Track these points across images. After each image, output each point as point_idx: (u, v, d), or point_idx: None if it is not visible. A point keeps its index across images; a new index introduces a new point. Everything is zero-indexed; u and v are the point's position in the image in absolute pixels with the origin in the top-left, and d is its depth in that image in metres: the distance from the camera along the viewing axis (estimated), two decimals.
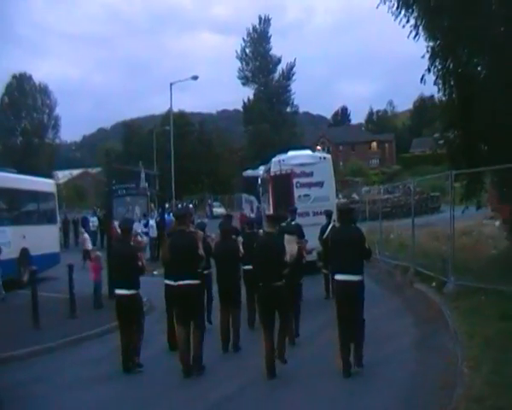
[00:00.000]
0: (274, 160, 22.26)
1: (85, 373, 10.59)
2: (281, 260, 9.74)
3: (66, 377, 10.45)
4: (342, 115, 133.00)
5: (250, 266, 11.32)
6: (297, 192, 20.79)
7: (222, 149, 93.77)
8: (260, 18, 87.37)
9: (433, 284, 15.39)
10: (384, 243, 24.10)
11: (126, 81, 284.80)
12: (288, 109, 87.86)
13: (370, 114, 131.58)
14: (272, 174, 20.91)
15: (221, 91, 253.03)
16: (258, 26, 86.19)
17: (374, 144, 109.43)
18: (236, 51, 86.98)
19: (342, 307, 9.42)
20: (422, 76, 16.02)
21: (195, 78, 46.77)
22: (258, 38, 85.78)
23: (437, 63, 15.88)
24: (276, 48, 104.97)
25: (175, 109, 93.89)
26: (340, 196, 52.44)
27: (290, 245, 11.13)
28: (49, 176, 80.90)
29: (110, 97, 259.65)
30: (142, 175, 29.30)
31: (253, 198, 32.99)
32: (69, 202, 79.26)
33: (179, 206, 60.69)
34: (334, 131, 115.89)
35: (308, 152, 24.60)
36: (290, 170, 19.98)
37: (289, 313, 10.06)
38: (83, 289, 16.81)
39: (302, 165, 21.74)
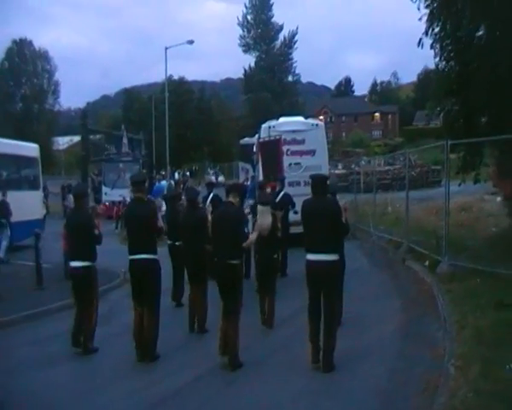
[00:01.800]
0: (264, 126, 21.12)
1: (33, 354, 9.58)
2: (238, 234, 8.48)
3: (10, 359, 9.39)
4: (346, 86, 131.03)
5: None
6: (287, 160, 19.57)
7: (222, 117, 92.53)
8: None
9: (427, 262, 14.29)
10: (381, 216, 23.03)
11: (131, 50, 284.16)
12: (290, 78, 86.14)
13: (374, 85, 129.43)
14: (261, 140, 19.68)
15: (225, 60, 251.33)
16: None
17: (377, 116, 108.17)
18: (238, 18, 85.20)
19: (312, 291, 8.25)
20: (420, 40, 14.83)
21: (191, 42, 45.83)
22: (260, 5, 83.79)
23: (435, 25, 14.64)
24: (279, 16, 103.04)
25: (175, 77, 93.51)
26: (340, 166, 51.62)
27: (263, 216, 10.18)
28: (49, 142, 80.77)
29: (115, 66, 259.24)
30: (125, 140, 27.66)
31: (248, 166, 31.96)
32: (69, 168, 78.43)
33: (179, 173, 60.50)
34: (338, 101, 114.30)
35: (300, 119, 23.34)
36: (279, 136, 18.75)
37: (239, 296, 8.65)
38: (60, 259, 15.59)
39: (293, 132, 20.63)
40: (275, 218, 10.57)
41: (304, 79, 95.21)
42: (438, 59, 15.29)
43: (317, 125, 21.79)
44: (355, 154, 64.55)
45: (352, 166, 45.77)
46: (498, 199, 19.85)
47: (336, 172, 44.39)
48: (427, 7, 14.59)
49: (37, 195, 24.92)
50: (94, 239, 9.50)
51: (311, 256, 8.15)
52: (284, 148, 19.56)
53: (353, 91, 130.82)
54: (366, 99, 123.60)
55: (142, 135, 30.89)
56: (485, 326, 8.45)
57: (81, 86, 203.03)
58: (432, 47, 14.87)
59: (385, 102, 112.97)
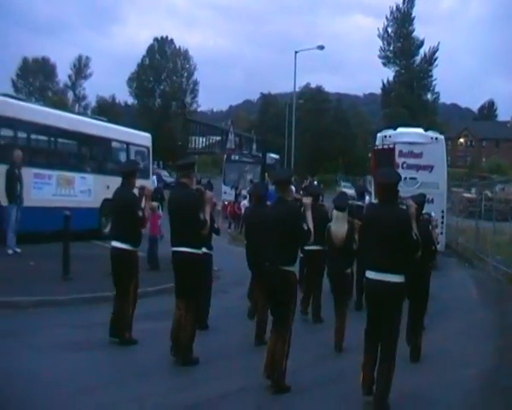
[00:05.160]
0: (379, 134, 19.85)
1: (69, 337, 8.96)
2: (293, 235, 7.10)
3: (47, 337, 8.80)
4: (489, 110, 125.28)
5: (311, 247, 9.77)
6: (402, 174, 17.87)
7: (359, 129, 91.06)
8: None
9: None
10: (506, 245, 20.75)
11: (275, 57, 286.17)
12: (429, 96, 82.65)
13: None
14: (374, 149, 18.46)
15: (370, 75, 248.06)
16: (401, 6, 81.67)
17: None
18: (378, 29, 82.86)
19: (371, 315, 6.83)
20: None
21: (321, 47, 45.47)
22: (401, 18, 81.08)
23: None
24: (420, 31, 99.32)
25: (313, 85, 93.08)
26: (473, 190, 49.00)
27: (338, 224, 9.28)
28: (186, 141, 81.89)
29: (259, 71, 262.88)
30: (231, 136, 25.93)
31: None
32: (204, 168, 79.34)
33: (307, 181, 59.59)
34: (479, 125, 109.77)
35: (419, 130, 21.81)
36: (393, 145, 17.36)
37: (291, 310, 7.24)
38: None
39: (410, 144, 19.15)
40: (352, 227, 9.24)
41: (448, 100, 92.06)
42: None
43: (436, 138, 20.11)
44: (491, 179, 61.17)
45: (486, 191, 43.13)
46: None
47: (468, 195, 42.29)
48: None
49: (147, 184, 24.68)
50: (136, 221, 8.66)
51: (370, 274, 6.71)
52: (400, 160, 18.39)
53: (496, 116, 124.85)
54: (509, 125, 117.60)
55: (253, 134, 29.68)
56: None
57: (225, 89, 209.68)
58: None
59: None
